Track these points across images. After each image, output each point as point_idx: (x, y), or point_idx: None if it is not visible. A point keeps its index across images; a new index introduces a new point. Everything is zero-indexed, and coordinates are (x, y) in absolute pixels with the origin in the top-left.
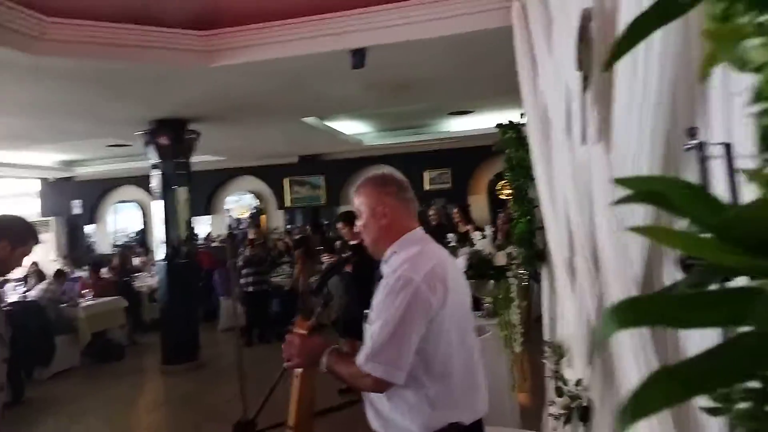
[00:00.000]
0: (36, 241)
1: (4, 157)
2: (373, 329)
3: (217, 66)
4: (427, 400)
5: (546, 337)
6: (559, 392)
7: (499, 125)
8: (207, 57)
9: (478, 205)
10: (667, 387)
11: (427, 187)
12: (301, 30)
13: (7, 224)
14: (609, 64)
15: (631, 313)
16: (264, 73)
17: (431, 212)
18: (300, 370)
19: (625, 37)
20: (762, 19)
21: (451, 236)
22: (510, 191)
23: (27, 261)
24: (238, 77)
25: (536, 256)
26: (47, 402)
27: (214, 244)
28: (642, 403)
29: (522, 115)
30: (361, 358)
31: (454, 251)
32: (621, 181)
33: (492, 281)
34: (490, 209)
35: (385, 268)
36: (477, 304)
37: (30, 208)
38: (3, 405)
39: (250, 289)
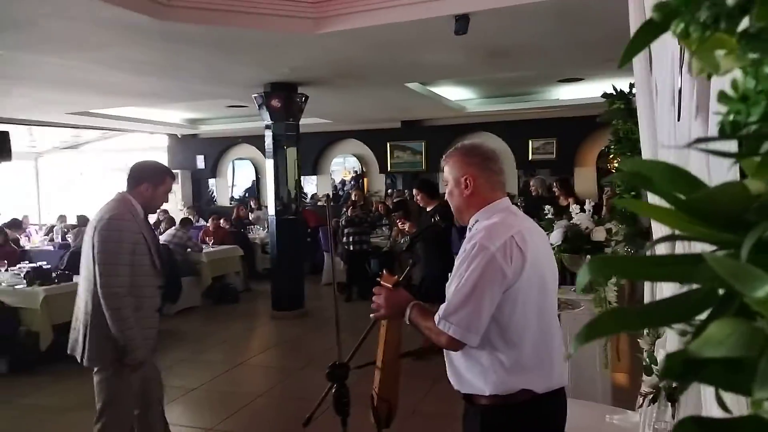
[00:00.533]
0: (172, 179)
1: (139, 113)
2: (448, 292)
3: (324, 33)
4: (500, 365)
5: None
6: (648, 371)
7: (605, 95)
8: (315, 24)
9: (585, 177)
10: (622, 318)
11: (530, 157)
12: None
13: (146, 168)
14: (620, 66)
15: (603, 267)
16: (368, 40)
17: (532, 183)
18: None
19: (629, 49)
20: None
21: (548, 208)
22: (617, 165)
23: (165, 205)
24: (343, 43)
25: (640, 234)
26: (175, 334)
27: (319, 203)
28: (599, 326)
29: (631, 85)
30: (437, 316)
31: (550, 224)
32: (621, 164)
33: (588, 256)
34: (597, 183)
35: (468, 236)
36: (573, 278)
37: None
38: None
39: (351, 248)
